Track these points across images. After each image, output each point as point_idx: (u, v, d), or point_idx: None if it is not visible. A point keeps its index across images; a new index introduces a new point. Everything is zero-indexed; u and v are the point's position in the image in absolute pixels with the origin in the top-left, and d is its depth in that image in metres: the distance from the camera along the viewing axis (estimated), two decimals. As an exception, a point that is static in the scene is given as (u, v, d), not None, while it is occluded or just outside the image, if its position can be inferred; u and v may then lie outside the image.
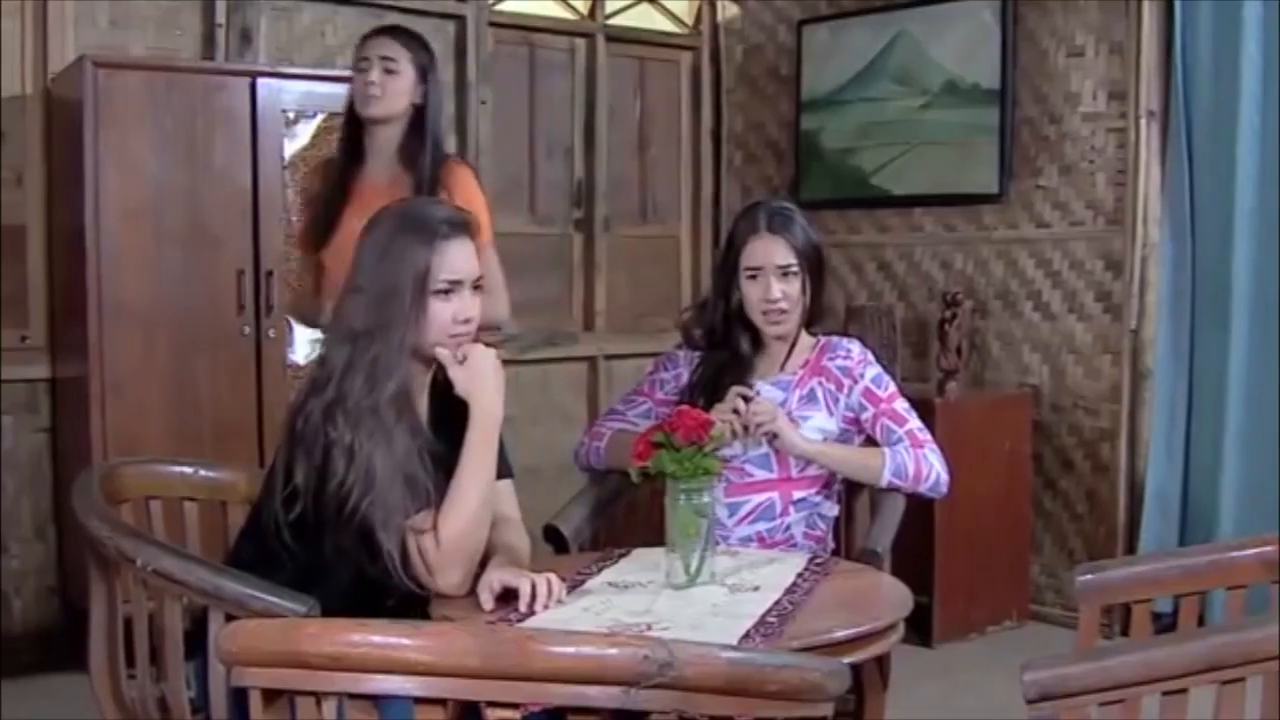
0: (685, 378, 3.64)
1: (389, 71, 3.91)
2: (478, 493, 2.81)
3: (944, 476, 3.52)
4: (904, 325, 6.29)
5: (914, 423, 3.53)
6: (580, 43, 6.69)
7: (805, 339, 3.62)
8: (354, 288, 2.84)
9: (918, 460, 3.47)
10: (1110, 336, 5.78)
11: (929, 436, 3.53)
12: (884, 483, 3.48)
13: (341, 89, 5.11)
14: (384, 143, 3.96)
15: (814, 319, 3.62)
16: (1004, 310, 6.14)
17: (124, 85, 4.82)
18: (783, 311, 3.51)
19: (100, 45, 5.20)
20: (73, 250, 4.87)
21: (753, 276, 3.51)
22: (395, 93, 3.91)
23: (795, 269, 3.49)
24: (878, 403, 3.53)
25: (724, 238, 3.83)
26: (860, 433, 3.57)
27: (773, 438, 3.39)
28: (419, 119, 3.96)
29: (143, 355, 4.85)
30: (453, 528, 2.76)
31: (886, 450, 3.48)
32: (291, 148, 5.14)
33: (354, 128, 3.99)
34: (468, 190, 3.96)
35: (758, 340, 3.58)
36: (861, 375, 3.54)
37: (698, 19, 7.11)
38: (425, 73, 3.97)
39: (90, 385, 4.76)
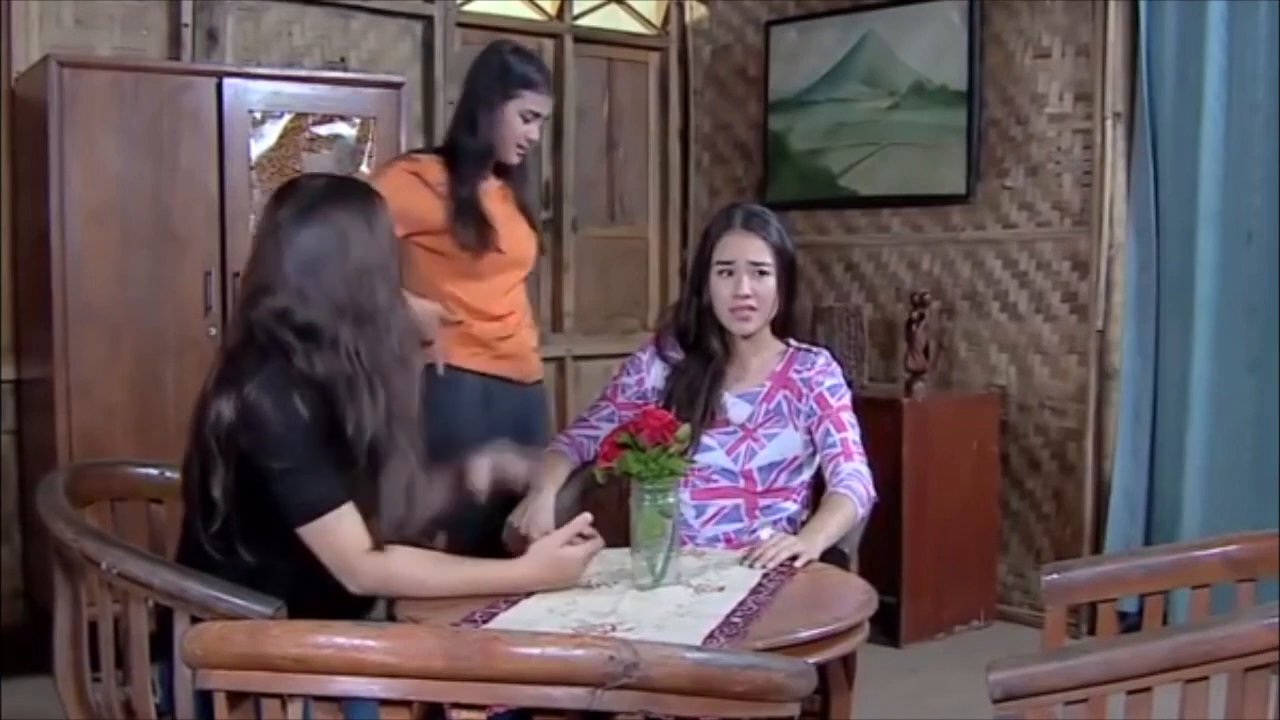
0: (648, 381, 3.64)
1: (541, 127, 4.16)
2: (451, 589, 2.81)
3: (871, 492, 3.43)
4: (871, 326, 6.31)
5: (852, 434, 3.48)
6: (548, 43, 6.68)
7: (775, 346, 3.61)
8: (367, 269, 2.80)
9: (862, 481, 3.39)
10: (1076, 337, 5.81)
11: (862, 451, 3.47)
12: (859, 517, 3.41)
13: (308, 89, 5.21)
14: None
15: (786, 327, 3.61)
16: (971, 311, 6.16)
17: (89, 85, 4.79)
18: (751, 309, 3.49)
19: (65, 44, 5.18)
20: (37, 251, 4.85)
21: (723, 272, 3.51)
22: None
23: (769, 268, 3.48)
24: (825, 407, 3.50)
25: (692, 238, 3.83)
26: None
27: (793, 559, 3.16)
28: None
29: (108, 357, 4.82)
30: (403, 582, 2.76)
31: (842, 491, 3.36)
32: (258, 148, 5.11)
33: (480, 138, 4.09)
34: None
35: (727, 342, 3.58)
36: (820, 383, 3.52)
37: (666, 19, 7.11)
38: None
39: (55, 387, 4.74)
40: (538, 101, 4.08)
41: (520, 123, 4.06)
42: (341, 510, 2.70)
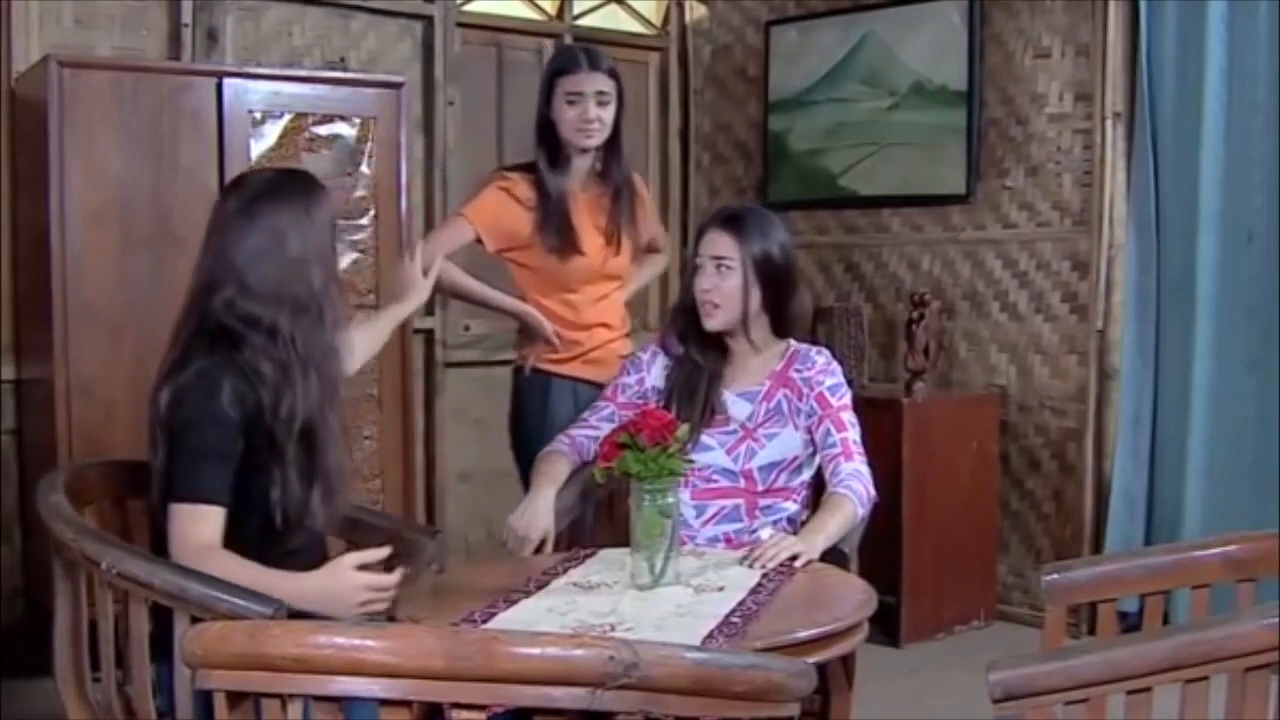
0: (648, 380, 3.65)
1: (604, 104, 4.13)
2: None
3: (871, 492, 3.44)
4: (871, 326, 6.30)
5: (853, 434, 3.49)
6: (548, 43, 6.67)
7: (775, 345, 3.62)
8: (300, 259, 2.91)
9: (862, 481, 3.40)
10: (1076, 337, 5.80)
11: (862, 451, 3.48)
12: (859, 517, 3.42)
13: (308, 89, 5.20)
14: (587, 161, 4.20)
15: (782, 327, 3.61)
16: (971, 311, 6.16)
17: (89, 85, 4.78)
18: (714, 306, 3.52)
19: (65, 44, 5.17)
20: (37, 251, 4.84)
21: (698, 267, 3.55)
22: (610, 122, 4.15)
23: (731, 264, 3.50)
24: (826, 407, 3.51)
25: (692, 238, 3.86)
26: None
27: (793, 560, 3.17)
28: (614, 134, 4.20)
29: (108, 356, 4.82)
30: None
31: (841, 491, 3.37)
32: (258, 148, 5.10)
33: (552, 145, 4.17)
34: (644, 188, 4.46)
35: (718, 340, 3.59)
36: (820, 383, 3.53)
37: (666, 20, 7.11)
38: (621, 94, 4.19)
39: (55, 386, 4.73)
40: (575, 81, 4.10)
41: (568, 107, 4.10)
42: (211, 509, 2.77)
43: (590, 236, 4.15)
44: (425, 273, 3.73)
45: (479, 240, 4.16)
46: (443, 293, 4.39)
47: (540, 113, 4.19)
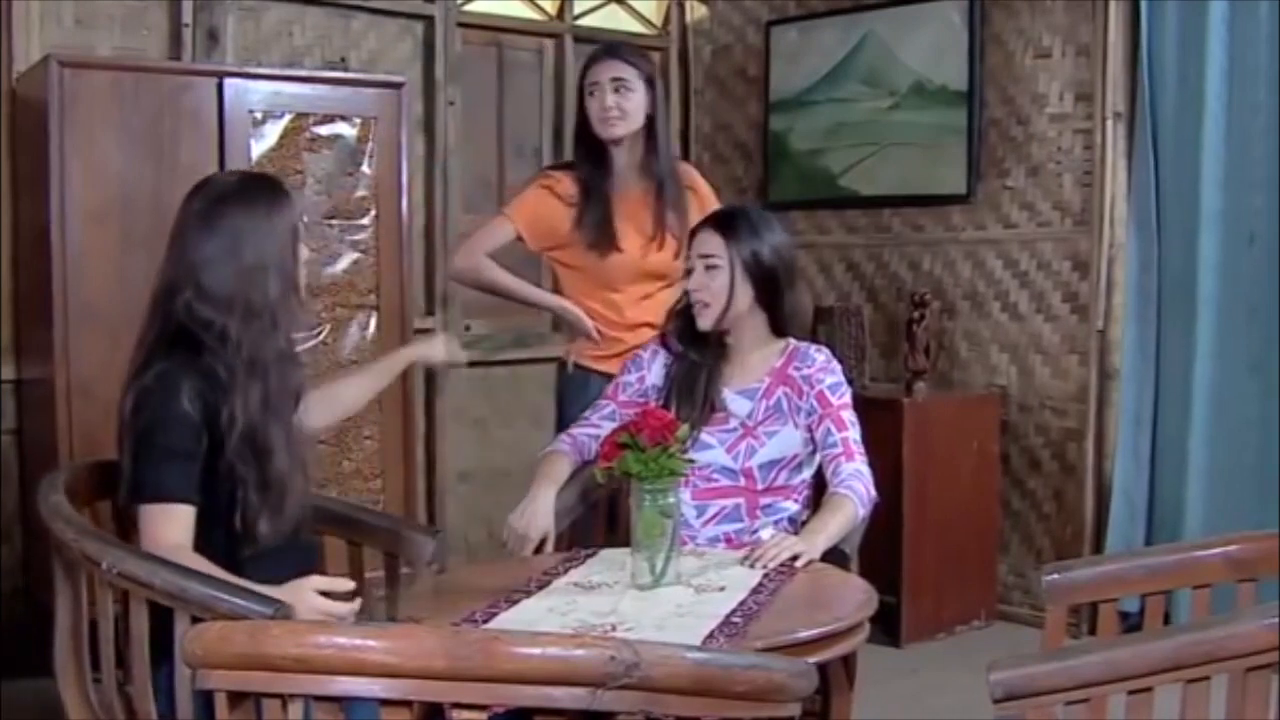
0: (648, 379, 3.65)
1: (622, 91, 4.14)
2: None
3: (871, 493, 3.43)
4: (872, 326, 6.30)
5: (853, 434, 3.49)
6: (549, 43, 6.69)
7: (774, 343, 3.62)
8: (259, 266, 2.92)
9: (863, 481, 3.39)
10: (1077, 337, 5.80)
11: (862, 451, 3.47)
12: (860, 517, 3.42)
13: (309, 89, 5.20)
14: (625, 156, 4.21)
15: (779, 326, 3.61)
16: (972, 311, 6.15)
17: (90, 85, 4.78)
18: (704, 305, 3.54)
19: (65, 44, 5.17)
20: (37, 251, 4.84)
21: (691, 268, 3.57)
22: (634, 110, 4.15)
23: (718, 263, 3.51)
24: (826, 405, 3.50)
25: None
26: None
27: (794, 560, 3.17)
28: (650, 127, 4.20)
29: (108, 356, 4.78)
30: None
31: (842, 491, 3.37)
32: (259, 148, 5.10)
33: (589, 143, 4.21)
34: (701, 183, 4.46)
35: (720, 340, 3.59)
36: (820, 380, 3.52)
37: (666, 19, 7.11)
38: (653, 82, 4.20)
39: (55, 386, 4.73)
40: (593, 72, 4.16)
41: (589, 100, 4.15)
42: (180, 508, 2.79)
43: (631, 233, 4.16)
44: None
45: (520, 238, 4.22)
46: (483, 290, 4.44)
47: (579, 113, 4.24)
